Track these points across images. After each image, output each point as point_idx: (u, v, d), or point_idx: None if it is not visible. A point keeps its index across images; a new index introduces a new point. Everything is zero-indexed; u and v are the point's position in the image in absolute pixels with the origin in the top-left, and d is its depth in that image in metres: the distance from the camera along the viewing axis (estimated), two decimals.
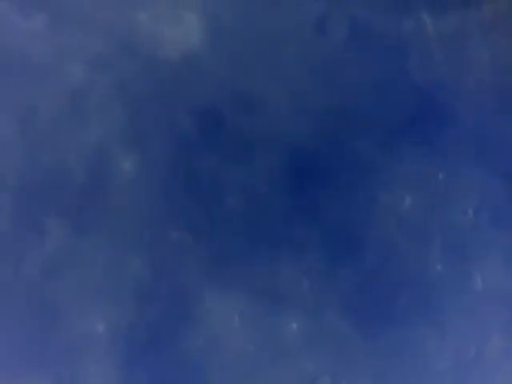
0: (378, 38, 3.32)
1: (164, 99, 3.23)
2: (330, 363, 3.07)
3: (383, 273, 3.16)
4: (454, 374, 3.11)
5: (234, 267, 3.11)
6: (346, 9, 3.31)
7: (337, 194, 3.21)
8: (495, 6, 3.43)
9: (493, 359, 3.13)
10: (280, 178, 3.21)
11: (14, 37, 3.22)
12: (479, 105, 3.35)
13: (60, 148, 3.16)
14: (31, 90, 3.19)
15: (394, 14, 3.34)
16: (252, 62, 3.28)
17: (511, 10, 3.43)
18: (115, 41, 3.23)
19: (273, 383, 3.05)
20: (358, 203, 3.20)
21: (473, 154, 3.29)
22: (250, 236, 3.14)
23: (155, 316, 3.05)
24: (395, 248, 3.18)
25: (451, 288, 3.17)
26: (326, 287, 3.13)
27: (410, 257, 3.18)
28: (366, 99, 3.28)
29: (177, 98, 3.23)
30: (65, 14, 3.23)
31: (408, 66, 3.32)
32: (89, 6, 3.26)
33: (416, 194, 3.23)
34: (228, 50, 3.27)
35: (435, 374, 3.11)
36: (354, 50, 3.30)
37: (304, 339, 3.08)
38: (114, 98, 3.21)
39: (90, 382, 2.99)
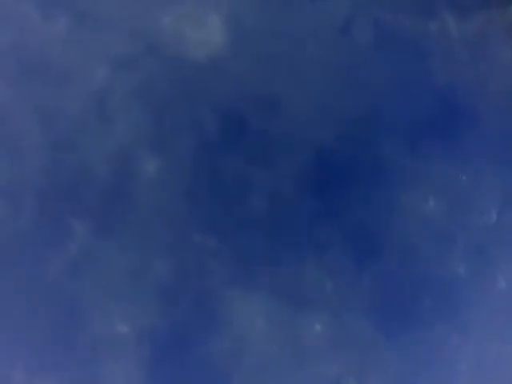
0: (402, 39, 3.32)
1: (188, 100, 3.23)
2: (354, 364, 3.08)
3: (406, 274, 3.16)
4: (475, 375, 3.12)
5: (258, 269, 3.11)
6: (370, 10, 3.31)
7: (360, 195, 3.21)
8: None
9: None
10: (303, 180, 3.21)
11: (37, 38, 3.22)
12: (503, 106, 3.36)
13: (84, 149, 3.16)
14: (55, 92, 3.19)
15: (418, 15, 3.35)
16: (275, 63, 3.28)
17: None
18: (139, 42, 3.23)
19: None
20: (381, 204, 3.21)
21: (496, 155, 3.30)
22: (274, 238, 3.14)
23: (179, 318, 3.05)
24: (418, 249, 3.19)
25: (474, 289, 3.18)
26: (350, 288, 3.13)
27: (432, 258, 3.18)
28: (389, 101, 3.29)
29: (200, 99, 3.23)
30: (88, 15, 3.23)
31: (432, 67, 3.33)
32: (112, 7, 3.26)
33: (439, 195, 3.24)
34: (251, 51, 3.27)
35: (457, 374, 3.11)
36: (377, 52, 3.30)
37: (327, 340, 3.08)
38: (138, 99, 3.21)
39: (113, 383, 3.00)
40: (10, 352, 2.94)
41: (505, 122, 3.34)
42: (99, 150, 3.16)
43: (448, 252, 3.19)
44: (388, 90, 3.30)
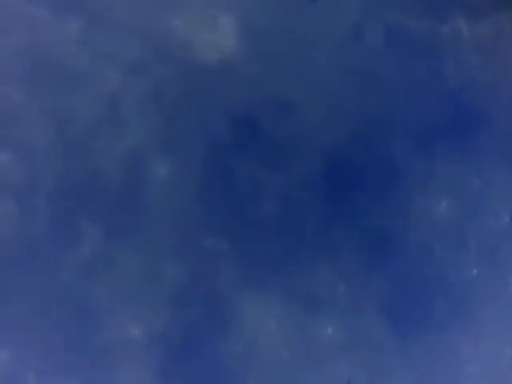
0: (414, 42, 3.32)
1: (199, 103, 3.23)
2: (366, 367, 3.07)
3: (419, 276, 3.16)
4: (488, 378, 3.12)
5: (270, 272, 3.11)
6: (381, 13, 3.32)
7: (372, 197, 3.21)
8: None
9: None
10: (316, 182, 3.21)
11: (49, 40, 3.22)
12: None
13: (96, 152, 3.16)
14: (67, 94, 3.19)
15: (430, 18, 3.35)
16: (287, 66, 3.28)
17: None
18: (150, 45, 3.24)
19: None
20: (393, 207, 3.21)
21: (509, 156, 3.30)
22: (286, 240, 3.14)
23: (191, 321, 3.05)
24: (431, 251, 3.18)
25: (487, 292, 3.18)
26: (362, 291, 3.13)
27: (445, 260, 3.18)
28: (401, 103, 3.28)
29: (212, 102, 3.23)
30: (100, 17, 3.23)
31: (444, 70, 3.33)
32: (124, 10, 3.26)
33: (452, 198, 3.23)
34: (263, 55, 3.27)
35: (470, 377, 3.11)
36: (389, 55, 3.31)
37: (340, 343, 3.08)
38: (150, 102, 3.21)
39: None
40: (22, 355, 2.94)
41: None
42: (111, 153, 3.17)
43: (461, 254, 3.19)
44: (400, 92, 3.30)
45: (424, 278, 3.16)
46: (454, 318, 3.13)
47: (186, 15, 3.32)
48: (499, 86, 3.36)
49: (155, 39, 3.27)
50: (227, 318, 3.06)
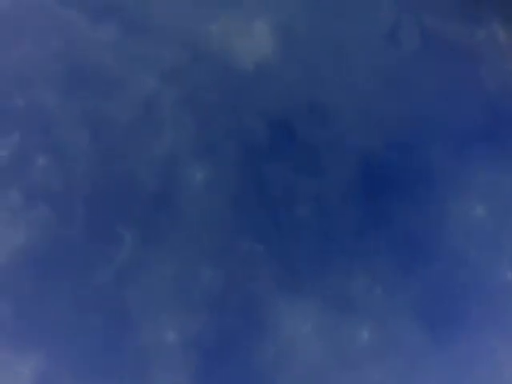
0: (450, 47, 3.32)
1: (235, 109, 3.24)
2: (400, 371, 3.07)
3: (454, 281, 3.15)
4: None
5: (305, 276, 3.11)
6: (417, 18, 3.32)
7: (408, 202, 3.21)
8: None
9: None
10: (350, 187, 3.21)
11: (85, 47, 3.24)
12: None
13: (132, 157, 3.18)
14: (104, 100, 3.21)
15: (465, 23, 3.35)
16: (323, 72, 3.28)
17: None
18: (187, 50, 3.25)
19: None
20: (428, 212, 3.20)
21: None
22: (321, 244, 3.15)
23: (226, 326, 3.06)
24: (466, 257, 3.18)
25: None
26: (397, 295, 3.12)
27: (480, 265, 3.17)
28: (437, 108, 3.29)
29: (248, 108, 3.24)
30: (137, 23, 3.25)
31: (480, 74, 3.33)
32: (160, 15, 3.28)
33: (487, 204, 3.23)
34: (299, 60, 3.28)
35: (507, 381, 3.10)
36: (425, 59, 3.31)
37: (374, 347, 3.08)
38: (186, 108, 3.22)
39: None
40: (58, 359, 2.96)
41: None
42: (147, 158, 3.18)
43: (495, 259, 3.18)
44: (435, 97, 3.30)
45: (459, 282, 3.15)
46: (489, 322, 3.13)
47: (224, 22, 3.33)
48: None
49: (192, 44, 3.28)
50: (262, 322, 3.07)
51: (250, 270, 3.10)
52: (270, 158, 3.21)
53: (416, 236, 3.18)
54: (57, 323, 2.99)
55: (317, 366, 3.04)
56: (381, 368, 3.06)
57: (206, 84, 3.24)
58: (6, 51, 3.30)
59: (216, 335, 3.04)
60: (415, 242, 3.17)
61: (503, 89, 3.33)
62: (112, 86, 3.21)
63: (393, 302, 3.12)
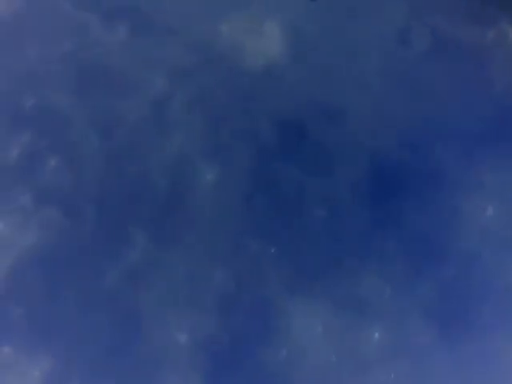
0: (459, 47, 3.34)
1: (245, 110, 3.25)
2: (412, 372, 3.06)
3: (465, 282, 3.14)
4: None
5: (316, 277, 3.10)
6: (427, 20, 3.33)
7: (419, 202, 3.20)
8: None
9: None
10: (362, 188, 3.21)
11: (96, 48, 3.25)
12: None
13: (143, 158, 3.18)
14: (114, 101, 3.21)
15: (475, 24, 3.36)
16: (333, 73, 3.29)
17: None
18: (197, 51, 3.26)
19: None
20: (440, 213, 3.20)
21: None
22: (332, 245, 3.14)
23: (237, 327, 3.04)
24: (477, 258, 3.17)
25: None
26: (409, 296, 3.11)
27: (491, 266, 3.16)
28: (447, 108, 3.29)
29: (258, 109, 3.25)
30: (147, 25, 3.26)
31: (489, 75, 3.34)
32: (171, 17, 3.29)
33: (498, 205, 3.23)
34: (309, 62, 3.29)
35: None
36: (436, 61, 3.32)
37: (386, 348, 3.06)
38: (196, 108, 3.23)
39: None
40: (68, 361, 2.94)
41: None
42: (158, 160, 3.18)
43: (507, 261, 3.18)
44: (446, 98, 3.30)
45: (470, 284, 3.14)
46: (501, 323, 3.11)
47: (233, 21, 3.34)
48: None
49: (202, 45, 3.29)
50: (274, 323, 3.06)
51: (261, 272, 3.09)
52: (281, 159, 3.21)
53: (427, 236, 3.17)
54: (67, 324, 2.98)
55: (328, 367, 3.03)
56: (391, 368, 3.05)
57: (216, 84, 3.24)
58: (18, 52, 3.31)
59: (227, 336, 3.03)
60: (426, 243, 3.16)
61: None
62: (123, 86, 3.22)
63: (403, 302, 3.10)
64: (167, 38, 3.27)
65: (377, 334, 3.09)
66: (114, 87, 3.22)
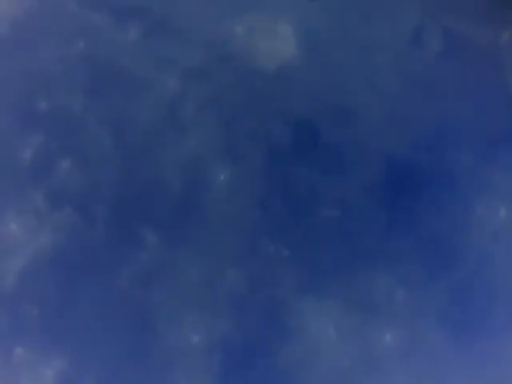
0: (473, 48, 3.33)
1: (259, 111, 3.24)
2: (424, 375, 3.06)
3: (478, 284, 3.15)
4: None
5: (329, 278, 3.10)
6: (441, 20, 3.32)
7: (432, 205, 3.20)
8: None
9: None
10: (375, 190, 3.20)
11: (109, 48, 3.24)
12: None
13: (156, 159, 3.17)
14: (127, 102, 3.20)
15: (488, 25, 3.35)
16: (347, 74, 3.28)
17: None
18: (210, 52, 3.25)
19: None
20: (453, 214, 3.20)
21: None
22: (345, 247, 3.14)
23: (250, 328, 3.04)
24: (490, 259, 3.17)
25: None
26: (421, 298, 3.12)
27: (504, 268, 3.17)
28: (461, 110, 3.29)
29: (271, 110, 3.24)
30: (160, 25, 3.25)
31: (503, 76, 3.33)
32: (184, 17, 3.28)
33: (511, 205, 3.23)
34: (323, 62, 3.28)
35: None
36: (449, 62, 3.31)
37: (398, 351, 3.07)
38: (209, 109, 3.22)
39: None
40: (82, 362, 2.95)
41: None
42: (171, 160, 3.17)
43: None
44: (461, 99, 3.30)
45: (484, 286, 3.14)
46: None
47: (248, 24, 3.33)
48: None
49: (215, 46, 3.28)
50: (286, 325, 3.06)
51: (274, 273, 3.09)
52: (294, 160, 3.21)
53: (440, 238, 3.17)
54: (81, 325, 2.98)
55: (341, 368, 3.03)
56: (405, 370, 3.06)
57: (229, 85, 3.24)
58: (31, 53, 3.30)
59: (241, 337, 3.03)
60: (439, 244, 3.16)
61: None
62: (136, 87, 3.21)
63: (417, 304, 3.11)
64: (179, 38, 3.26)
65: (389, 335, 3.08)
66: (127, 88, 3.21)
